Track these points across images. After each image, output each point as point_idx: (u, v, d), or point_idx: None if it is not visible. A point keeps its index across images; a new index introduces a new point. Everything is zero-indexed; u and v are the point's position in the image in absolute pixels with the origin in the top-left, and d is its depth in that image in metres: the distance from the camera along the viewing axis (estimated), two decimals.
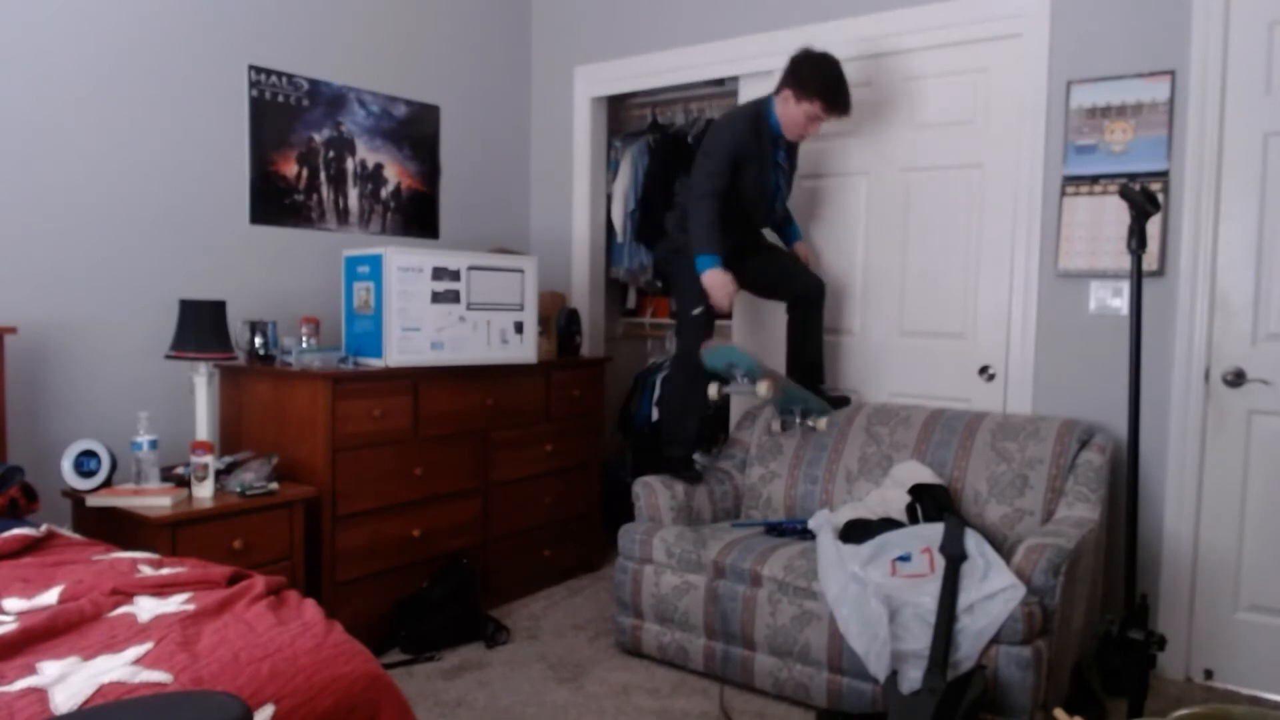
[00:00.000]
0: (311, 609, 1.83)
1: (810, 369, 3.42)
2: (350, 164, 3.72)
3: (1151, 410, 2.98)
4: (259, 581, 1.92)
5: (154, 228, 3.12)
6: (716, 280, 3.09)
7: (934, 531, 2.62)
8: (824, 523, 2.90)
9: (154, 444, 2.77)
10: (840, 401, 3.44)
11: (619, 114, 4.75)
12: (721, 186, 3.12)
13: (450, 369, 3.31)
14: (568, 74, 4.38)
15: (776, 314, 3.61)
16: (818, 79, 3.08)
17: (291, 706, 1.52)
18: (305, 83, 3.53)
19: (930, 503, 2.82)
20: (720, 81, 4.23)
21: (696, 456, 3.47)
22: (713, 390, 3.16)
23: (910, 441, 3.14)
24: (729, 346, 3.08)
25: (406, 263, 3.13)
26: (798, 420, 3.34)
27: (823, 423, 3.29)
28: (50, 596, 1.83)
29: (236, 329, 3.18)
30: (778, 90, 3.18)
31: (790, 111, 3.14)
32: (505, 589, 3.62)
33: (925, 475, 2.95)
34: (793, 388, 3.21)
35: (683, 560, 2.95)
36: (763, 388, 3.02)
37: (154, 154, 3.11)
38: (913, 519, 2.80)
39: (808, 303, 3.42)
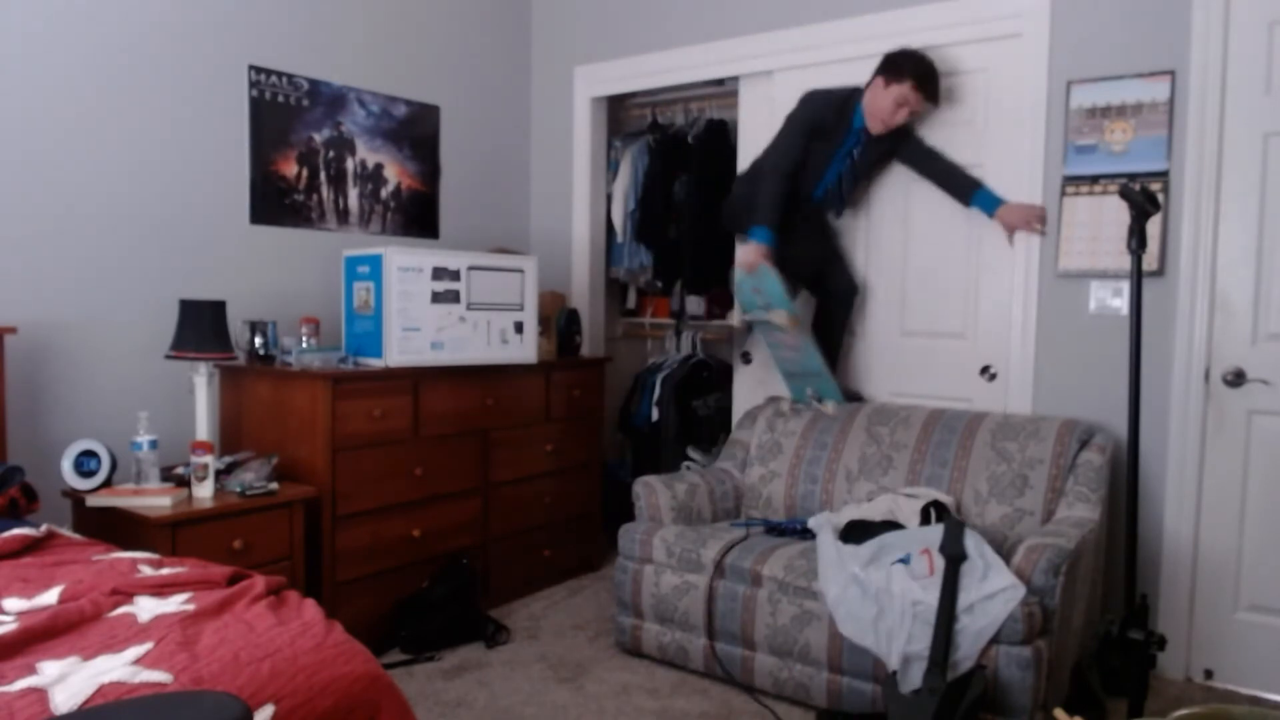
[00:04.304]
0: (311, 609, 1.83)
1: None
2: (350, 164, 3.72)
3: (1151, 410, 2.98)
4: (259, 581, 1.92)
5: (154, 228, 3.12)
6: (747, 253, 3.18)
7: (934, 533, 2.62)
8: (824, 523, 2.90)
9: (154, 444, 2.77)
10: (853, 397, 3.48)
11: (619, 114, 4.75)
12: (794, 162, 3.22)
13: (450, 369, 3.31)
14: (568, 74, 4.38)
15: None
16: (910, 62, 3.13)
17: (291, 706, 1.52)
18: (305, 83, 3.53)
19: (942, 509, 2.84)
20: (720, 81, 4.23)
21: (695, 457, 3.48)
22: (736, 317, 3.27)
23: (910, 441, 3.14)
24: (765, 267, 3.16)
25: (406, 263, 3.13)
26: (810, 401, 3.41)
27: (830, 406, 3.35)
28: (50, 596, 1.83)
29: (236, 329, 3.17)
30: (869, 81, 3.22)
31: (878, 99, 3.16)
32: (505, 589, 3.62)
33: (936, 495, 2.96)
34: (812, 348, 3.28)
35: (683, 560, 2.95)
36: (779, 316, 3.17)
37: (154, 154, 3.11)
38: (926, 523, 2.80)
39: (834, 301, 3.49)
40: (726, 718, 2.68)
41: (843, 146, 3.28)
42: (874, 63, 3.48)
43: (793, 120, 3.30)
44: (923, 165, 3.34)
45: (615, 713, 2.69)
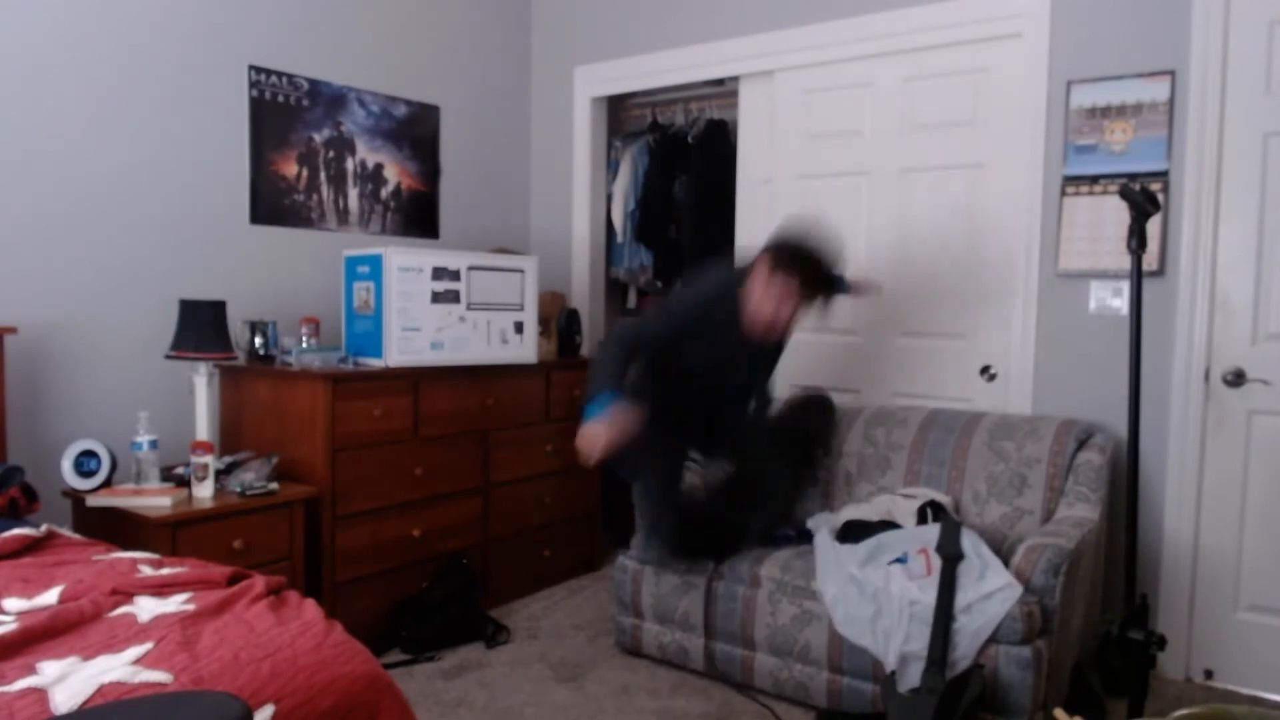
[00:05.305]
0: (311, 609, 1.83)
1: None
2: (350, 164, 3.72)
3: (1151, 410, 2.98)
4: (259, 581, 1.92)
5: (154, 228, 3.12)
6: (589, 431, 2.55)
7: (931, 532, 2.62)
8: (822, 523, 2.90)
9: (154, 444, 2.77)
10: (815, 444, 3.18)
11: (619, 114, 4.75)
12: (652, 338, 2.71)
13: (450, 369, 3.31)
14: (568, 74, 4.38)
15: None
16: (798, 250, 2.55)
17: (291, 706, 1.52)
18: (305, 83, 3.53)
19: (939, 509, 2.83)
20: (720, 81, 4.23)
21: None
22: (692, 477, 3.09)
23: (907, 442, 3.14)
24: None
25: (406, 263, 3.13)
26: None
27: None
28: (50, 596, 1.83)
29: (236, 329, 3.18)
30: (753, 265, 2.59)
31: (760, 288, 2.55)
32: (505, 589, 3.62)
33: (933, 495, 2.95)
34: None
35: None
36: None
37: (154, 154, 3.11)
38: (923, 522, 2.80)
39: (810, 434, 3.12)
40: (726, 718, 2.68)
41: (736, 352, 2.74)
42: (873, 63, 3.49)
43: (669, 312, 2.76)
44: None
45: (615, 713, 2.69)
